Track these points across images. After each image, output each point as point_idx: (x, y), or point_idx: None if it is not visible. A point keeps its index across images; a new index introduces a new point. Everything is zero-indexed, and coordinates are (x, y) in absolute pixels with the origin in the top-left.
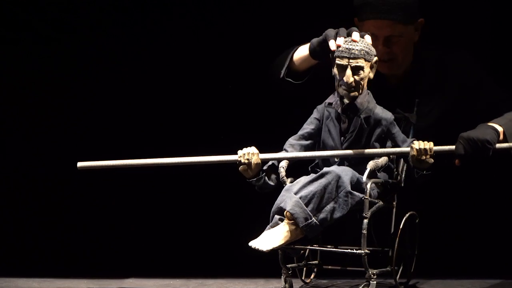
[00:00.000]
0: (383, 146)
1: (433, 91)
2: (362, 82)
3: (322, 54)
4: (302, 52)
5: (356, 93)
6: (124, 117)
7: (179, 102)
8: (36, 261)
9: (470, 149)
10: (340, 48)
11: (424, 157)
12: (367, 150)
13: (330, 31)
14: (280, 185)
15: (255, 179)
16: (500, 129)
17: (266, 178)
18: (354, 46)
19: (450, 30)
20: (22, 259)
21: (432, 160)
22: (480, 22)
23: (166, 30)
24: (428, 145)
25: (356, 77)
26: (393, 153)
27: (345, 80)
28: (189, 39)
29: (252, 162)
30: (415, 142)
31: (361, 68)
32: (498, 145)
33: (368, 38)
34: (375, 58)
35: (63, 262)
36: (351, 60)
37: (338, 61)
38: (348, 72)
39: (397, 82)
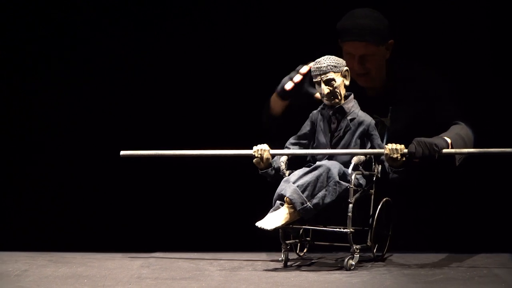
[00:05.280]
0: (363, 143)
1: (403, 100)
2: (338, 90)
3: (286, 95)
4: (274, 100)
5: (337, 100)
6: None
7: (199, 103)
8: (79, 238)
9: (420, 149)
10: (312, 70)
11: (395, 155)
12: (352, 150)
13: (284, 79)
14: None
15: (267, 170)
16: (449, 140)
17: (274, 171)
18: (322, 63)
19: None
20: (66, 235)
21: (404, 159)
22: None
23: (209, 27)
24: (399, 146)
25: (330, 88)
26: (371, 153)
27: (323, 93)
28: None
29: (264, 157)
30: (389, 144)
31: (332, 79)
32: (444, 150)
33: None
34: (345, 68)
35: (100, 239)
36: (322, 76)
37: (314, 80)
38: (323, 86)
39: (375, 93)
